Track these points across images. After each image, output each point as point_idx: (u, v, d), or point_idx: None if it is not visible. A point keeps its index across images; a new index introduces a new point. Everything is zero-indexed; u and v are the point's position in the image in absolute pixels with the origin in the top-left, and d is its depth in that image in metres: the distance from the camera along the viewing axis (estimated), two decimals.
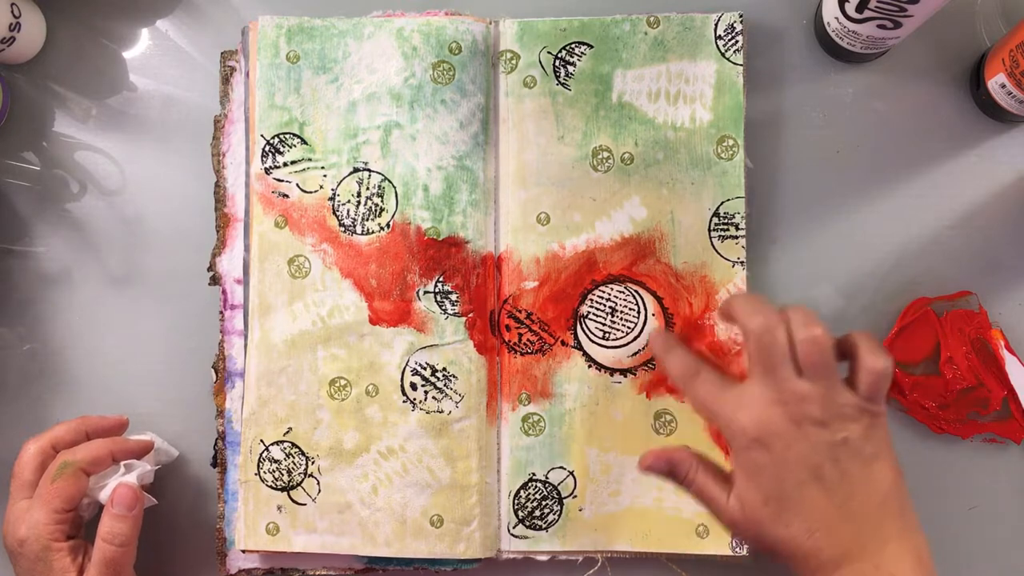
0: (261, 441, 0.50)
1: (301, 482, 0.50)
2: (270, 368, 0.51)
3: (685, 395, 0.44)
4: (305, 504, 0.50)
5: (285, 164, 0.51)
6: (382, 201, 0.51)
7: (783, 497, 0.40)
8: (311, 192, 0.51)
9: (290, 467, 0.50)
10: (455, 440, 0.50)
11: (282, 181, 0.51)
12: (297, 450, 0.50)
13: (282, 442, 0.50)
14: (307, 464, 0.50)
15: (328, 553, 0.50)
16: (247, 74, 0.52)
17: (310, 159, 0.51)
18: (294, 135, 0.51)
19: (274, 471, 0.50)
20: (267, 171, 0.51)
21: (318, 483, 0.50)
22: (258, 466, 0.50)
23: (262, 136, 0.51)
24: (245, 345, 0.51)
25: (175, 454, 0.52)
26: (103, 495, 0.48)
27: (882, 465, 0.41)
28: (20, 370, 0.54)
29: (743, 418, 0.41)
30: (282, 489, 0.50)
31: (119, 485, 0.47)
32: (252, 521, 0.50)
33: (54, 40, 0.55)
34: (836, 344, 0.42)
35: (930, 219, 0.53)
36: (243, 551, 0.51)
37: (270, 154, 0.51)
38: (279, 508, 0.50)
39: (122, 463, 0.48)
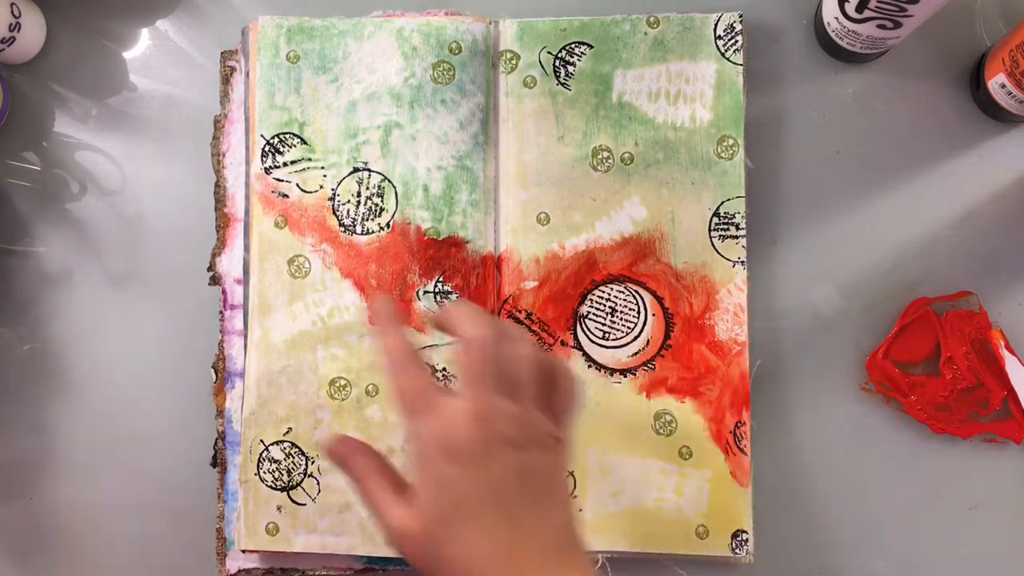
0: (261, 441, 0.50)
1: (301, 482, 0.50)
2: (270, 368, 0.51)
3: (393, 380, 0.41)
4: (305, 504, 0.50)
5: (285, 164, 0.51)
6: (382, 201, 0.51)
7: (463, 513, 0.38)
8: (311, 192, 0.51)
9: (290, 467, 0.50)
10: None
11: (282, 181, 0.51)
12: (297, 450, 0.50)
13: (282, 442, 0.50)
14: (307, 464, 0.50)
15: (328, 553, 0.50)
16: (247, 74, 0.53)
17: (310, 159, 0.51)
18: (294, 135, 0.51)
19: (274, 471, 0.50)
20: (267, 171, 0.51)
21: (318, 483, 0.50)
22: (258, 466, 0.50)
23: (262, 136, 0.51)
24: (245, 345, 0.51)
25: None
26: None
27: (559, 496, 0.40)
28: (20, 370, 0.54)
29: (442, 427, 0.39)
30: (282, 489, 0.50)
31: None
32: (252, 521, 0.50)
33: (54, 40, 0.55)
34: (541, 368, 0.41)
35: (930, 219, 0.53)
36: (243, 551, 0.51)
37: (270, 154, 0.51)
38: (279, 508, 0.50)
39: None
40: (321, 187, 0.51)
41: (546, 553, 0.38)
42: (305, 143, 0.52)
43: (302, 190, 0.51)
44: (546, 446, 0.40)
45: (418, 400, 0.40)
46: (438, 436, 0.39)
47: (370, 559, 0.51)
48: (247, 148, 0.52)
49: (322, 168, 0.51)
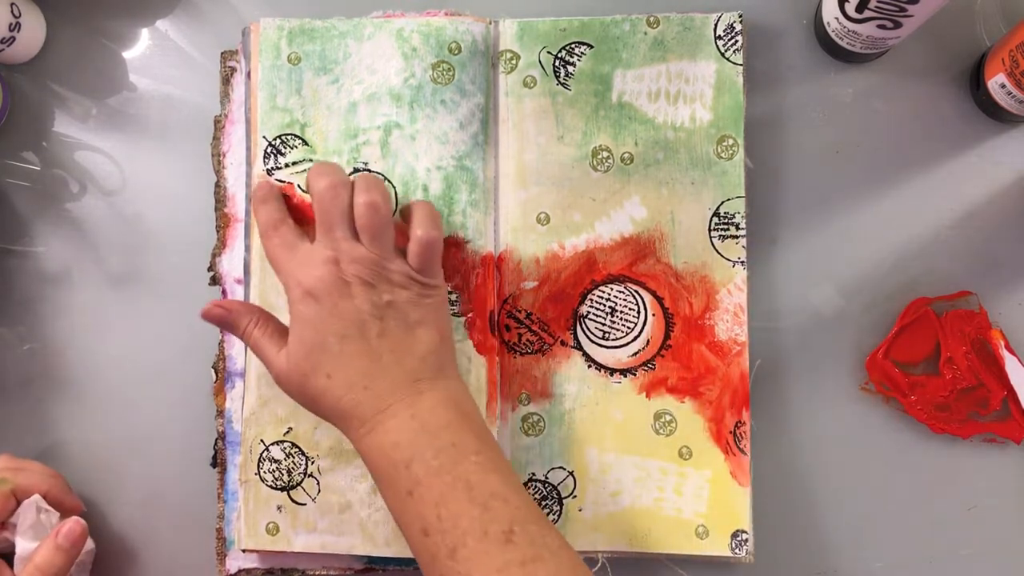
0: (261, 441, 0.50)
1: (301, 482, 0.50)
2: None
3: (263, 246, 0.46)
4: (305, 504, 0.50)
5: (287, 165, 0.51)
6: None
7: (325, 348, 0.42)
8: None
9: (290, 467, 0.50)
10: None
11: (284, 182, 0.51)
12: (297, 450, 0.50)
13: (282, 442, 0.50)
14: (307, 464, 0.50)
15: (328, 553, 0.50)
16: (247, 74, 0.52)
17: (311, 160, 0.51)
18: (296, 136, 0.51)
19: (274, 471, 0.50)
20: (269, 172, 0.51)
21: (318, 483, 0.50)
22: (258, 466, 0.50)
23: (264, 137, 0.51)
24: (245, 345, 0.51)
25: (91, 548, 0.51)
26: (19, 535, 0.47)
27: (426, 330, 0.44)
28: (20, 370, 0.54)
29: (301, 272, 0.43)
30: (282, 489, 0.50)
31: (72, 520, 0.47)
32: (252, 521, 0.50)
33: (54, 40, 0.55)
34: (402, 213, 0.46)
35: (930, 219, 0.53)
36: (243, 551, 0.51)
37: (272, 155, 0.51)
38: (279, 508, 0.50)
39: (43, 516, 0.48)
40: None
41: (403, 380, 0.43)
42: (307, 144, 0.51)
43: (304, 191, 0.51)
44: (401, 286, 0.44)
45: (282, 254, 0.45)
46: (296, 280, 0.44)
47: (370, 559, 0.51)
48: (248, 148, 0.52)
49: None
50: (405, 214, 0.46)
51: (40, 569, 0.45)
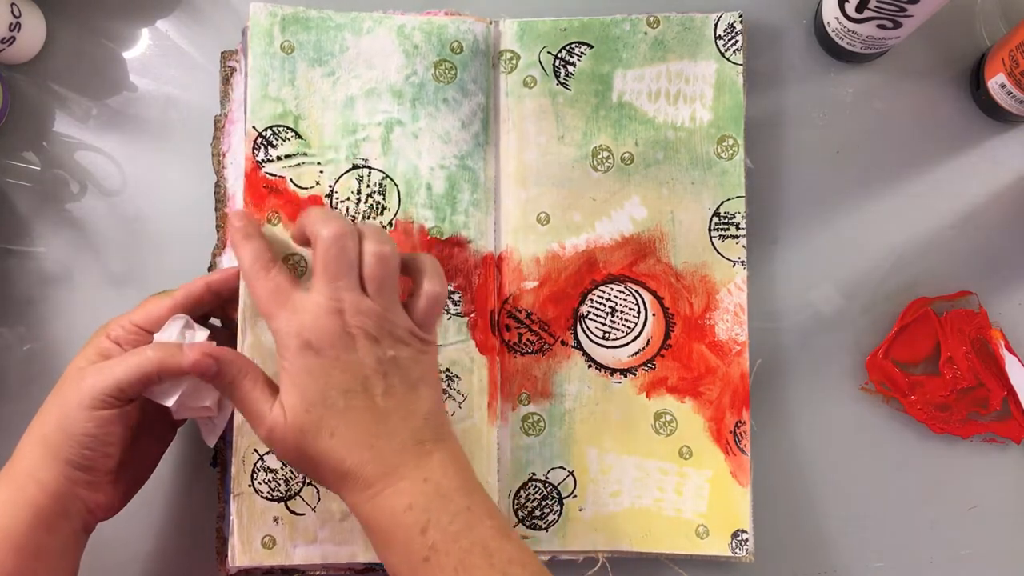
0: (255, 450, 0.49)
1: (299, 491, 0.49)
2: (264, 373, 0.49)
3: (249, 288, 0.43)
4: (304, 514, 0.49)
5: (279, 158, 0.50)
6: (384, 199, 0.51)
7: (329, 404, 0.40)
8: (306, 188, 0.50)
9: (288, 476, 0.49)
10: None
11: (275, 176, 0.50)
12: None
13: None
14: None
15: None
16: (247, 74, 0.52)
17: (305, 154, 0.51)
18: (288, 128, 0.51)
19: (270, 481, 0.49)
20: (259, 164, 0.50)
21: (317, 491, 0.49)
22: (252, 477, 0.49)
23: (254, 128, 0.50)
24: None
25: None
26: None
27: (428, 388, 0.42)
28: (20, 370, 0.54)
29: (299, 321, 0.40)
30: (279, 500, 0.49)
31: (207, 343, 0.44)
32: (247, 535, 0.48)
33: (54, 40, 0.55)
34: (403, 265, 0.43)
35: (930, 219, 0.53)
36: (238, 568, 0.49)
37: (262, 147, 0.50)
38: (275, 520, 0.49)
39: (187, 332, 0.45)
40: (317, 183, 0.51)
41: (409, 441, 0.41)
42: (300, 137, 0.51)
43: (297, 186, 0.51)
44: (404, 341, 0.42)
45: (275, 301, 0.41)
46: (295, 331, 0.41)
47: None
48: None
49: (318, 164, 0.51)
50: (404, 266, 0.44)
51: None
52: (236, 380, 0.42)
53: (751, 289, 0.52)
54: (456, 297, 0.50)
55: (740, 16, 0.52)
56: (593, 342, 0.51)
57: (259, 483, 0.49)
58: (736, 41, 0.52)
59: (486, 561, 0.39)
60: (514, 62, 0.52)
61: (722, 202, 0.51)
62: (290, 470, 0.49)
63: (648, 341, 0.51)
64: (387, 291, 0.41)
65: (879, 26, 0.48)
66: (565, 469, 0.50)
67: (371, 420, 0.40)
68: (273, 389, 0.42)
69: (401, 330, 0.41)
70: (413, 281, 0.43)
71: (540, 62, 0.52)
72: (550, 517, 0.50)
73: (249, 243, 0.43)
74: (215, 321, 0.50)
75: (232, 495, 0.49)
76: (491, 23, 0.52)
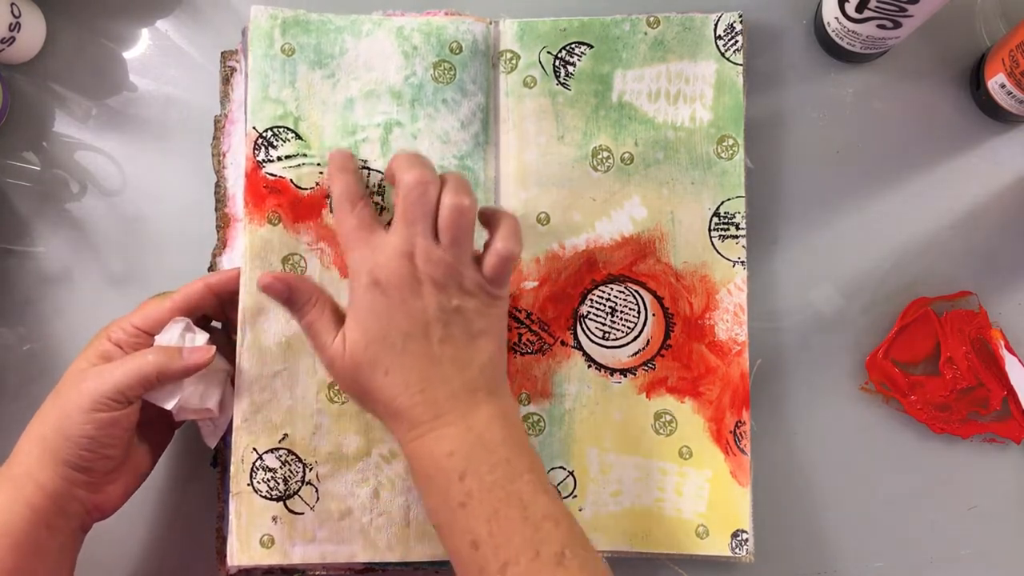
0: (254, 449, 0.49)
1: (298, 490, 0.49)
2: (263, 372, 0.49)
3: (334, 220, 0.44)
4: (303, 513, 0.49)
5: (279, 159, 0.50)
6: (383, 200, 0.51)
7: (387, 343, 0.41)
8: (306, 189, 0.51)
9: (286, 475, 0.49)
10: None
11: (275, 176, 0.50)
12: (294, 457, 0.49)
13: (277, 449, 0.49)
14: (304, 471, 0.49)
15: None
16: (247, 74, 0.52)
17: (305, 155, 0.51)
18: (288, 129, 0.51)
19: (269, 480, 0.49)
20: (260, 164, 0.50)
21: (316, 491, 0.49)
22: (251, 476, 0.49)
23: (254, 128, 0.50)
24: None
25: (227, 369, 0.49)
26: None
27: (487, 341, 0.43)
28: (20, 370, 0.54)
29: (373, 260, 0.42)
30: (278, 499, 0.49)
31: (206, 347, 0.45)
32: (245, 535, 0.48)
33: (54, 40, 0.55)
34: (485, 218, 0.44)
35: (930, 219, 0.53)
36: (237, 567, 0.49)
37: (263, 147, 0.50)
38: (274, 519, 0.49)
39: (187, 336, 0.46)
40: (317, 184, 0.51)
41: (461, 390, 0.42)
42: (300, 138, 0.51)
43: (297, 187, 0.51)
44: (471, 293, 0.42)
45: (356, 236, 0.43)
46: (368, 268, 0.42)
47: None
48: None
49: (318, 165, 0.51)
50: (484, 220, 0.45)
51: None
52: (305, 308, 0.43)
53: (751, 289, 0.52)
54: None
55: (740, 16, 0.52)
56: (593, 342, 0.51)
57: (258, 482, 0.49)
58: (736, 41, 0.52)
59: (520, 513, 0.39)
60: (514, 62, 0.52)
61: (722, 202, 0.51)
62: (289, 469, 0.49)
63: (648, 341, 0.51)
64: (461, 242, 0.42)
65: (879, 26, 0.48)
66: (565, 469, 0.50)
67: (426, 365, 0.41)
68: (339, 319, 0.43)
69: (469, 282, 0.42)
70: (490, 236, 0.44)
71: (540, 62, 0.52)
72: None
73: (342, 176, 0.45)
74: (216, 324, 0.51)
75: (231, 494, 0.49)
76: (491, 23, 0.52)
